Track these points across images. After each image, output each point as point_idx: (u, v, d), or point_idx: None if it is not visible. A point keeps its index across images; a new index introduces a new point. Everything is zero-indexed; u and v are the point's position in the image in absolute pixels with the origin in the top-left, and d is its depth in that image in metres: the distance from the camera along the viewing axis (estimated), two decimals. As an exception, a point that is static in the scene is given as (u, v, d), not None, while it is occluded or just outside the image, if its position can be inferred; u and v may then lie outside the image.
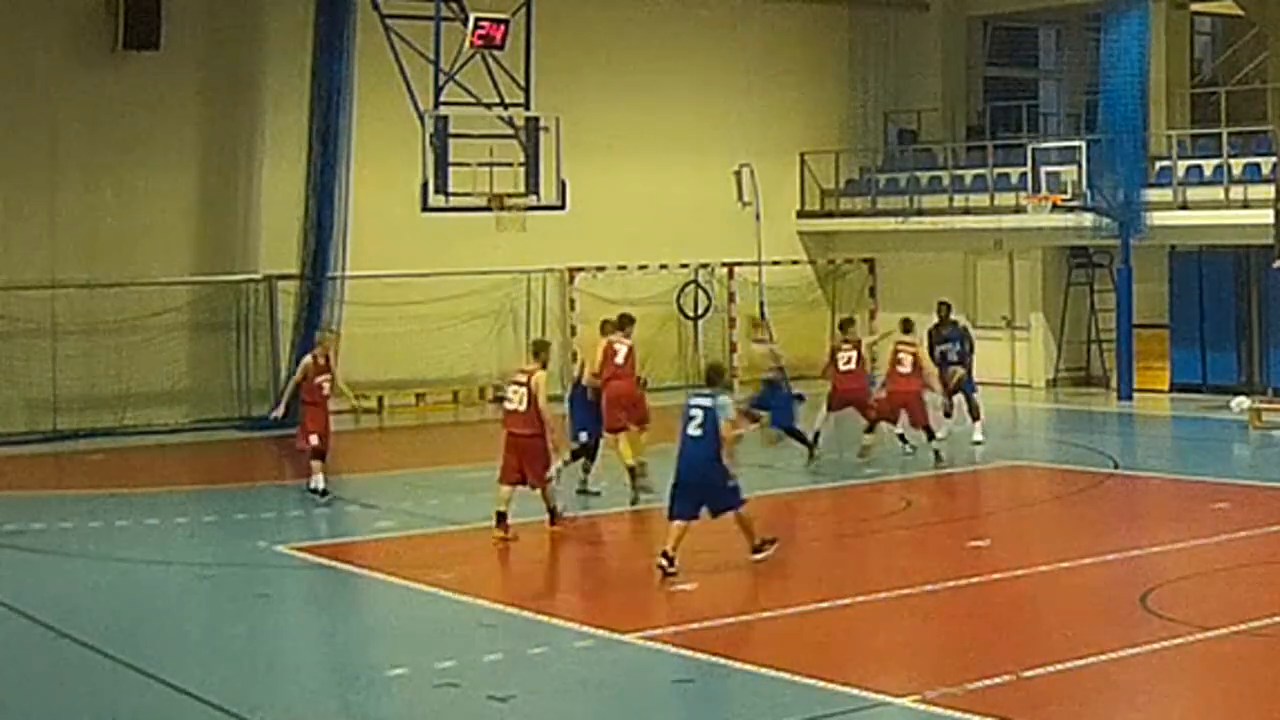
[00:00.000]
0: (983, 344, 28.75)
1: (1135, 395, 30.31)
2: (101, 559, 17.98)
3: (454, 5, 25.74)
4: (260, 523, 19.76)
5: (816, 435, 23.62)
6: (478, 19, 24.92)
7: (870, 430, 23.04)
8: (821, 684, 12.28)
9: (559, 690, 12.90)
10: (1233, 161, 29.26)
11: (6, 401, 27.20)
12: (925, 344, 25.30)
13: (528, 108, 25.61)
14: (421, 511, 20.35)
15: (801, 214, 35.54)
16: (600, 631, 14.08)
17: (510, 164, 25.14)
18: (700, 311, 33.64)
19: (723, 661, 13.04)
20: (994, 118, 36.09)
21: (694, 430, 15.99)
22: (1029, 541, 18.61)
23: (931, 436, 22.99)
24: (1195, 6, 34.88)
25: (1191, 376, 30.64)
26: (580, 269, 32.33)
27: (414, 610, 15.55)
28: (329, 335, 22.43)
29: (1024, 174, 30.61)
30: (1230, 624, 13.84)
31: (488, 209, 25.19)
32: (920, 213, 33.63)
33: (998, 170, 32.70)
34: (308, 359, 21.15)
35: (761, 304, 33.04)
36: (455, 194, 24.81)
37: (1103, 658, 12.79)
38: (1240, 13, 35.10)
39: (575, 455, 20.39)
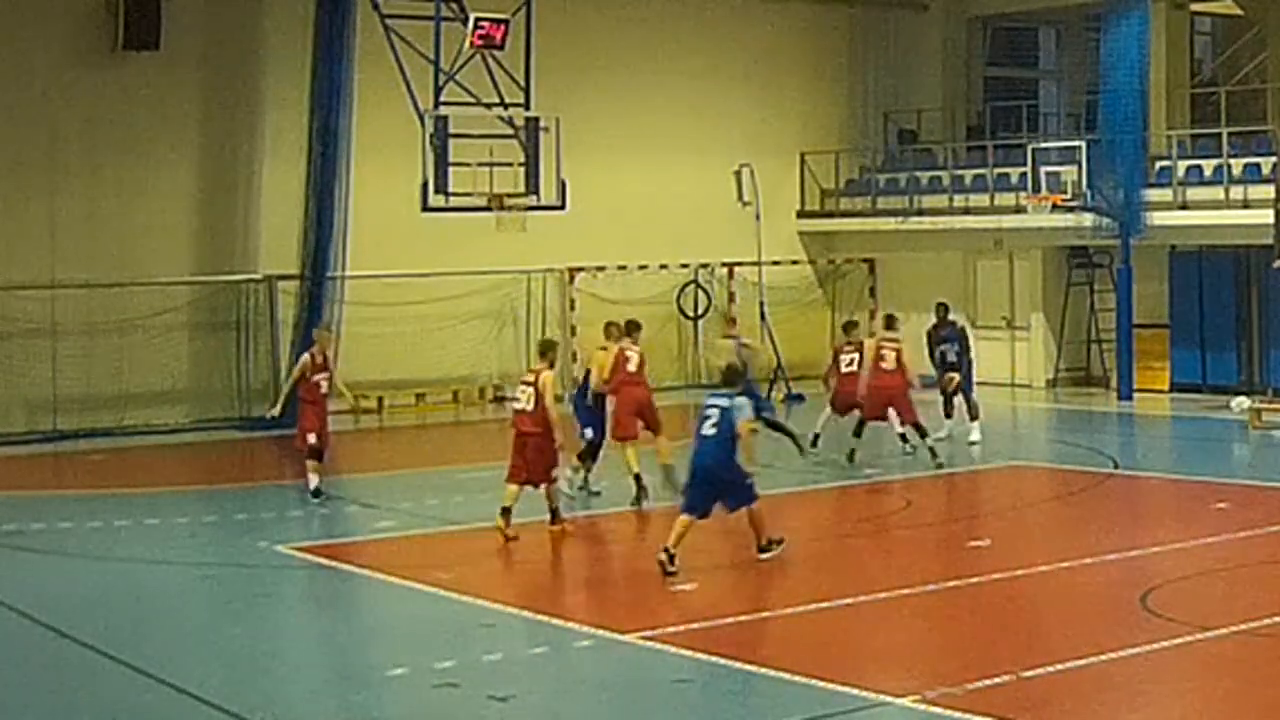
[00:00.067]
0: (983, 344, 28.80)
1: (1135, 395, 30.30)
2: (101, 559, 17.97)
3: (454, 5, 25.74)
4: (260, 523, 19.75)
5: (816, 436, 23.65)
6: (478, 19, 24.90)
7: (858, 434, 23.00)
8: (821, 684, 12.28)
9: (559, 690, 12.91)
10: (1233, 161, 29.26)
11: (6, 401, 27.21)
12: (925, 344, 25.37)
13: (528, 108, 25.60)
14: (421, 511, 20.35)
15: (801, 214, 35.55)
16: (600, 631, 14.08)
17: (510, 164, 25.12)
18: (700, 311, 33.64)
19: (723, 661, 13.04)
20: (994, 118, 36.08)
21: (708, 429, 16.10)
22: (1029, 541, 18.59)
23: (924, 434, 22.95)
24: (1195, 6, 34.88)
25: (1191, 376, 30.65)
26: (580, 269, 32.34)
27: (414, 610, 15.55)
28: (326, 334, 22.42)
29: (1024, 174, 30.62)
30: (1230, 624, 13.84)
31: (488, 209, 25.17)
32: (920, 213, 33.63)
33: (998, 170, 32.70)
34: (305, 357, 21.15)
35: (762, 304, 33.05)
36: (455, 194, 24.79)
37: (1103, 658, 12.78)
38: (1240, 13, 35.14)
39: (581, 457, 20.38)
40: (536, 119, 25.43)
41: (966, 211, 32.98)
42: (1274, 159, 28.57)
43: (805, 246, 35.56)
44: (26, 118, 27.50)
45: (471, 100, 25.33)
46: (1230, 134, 29.74)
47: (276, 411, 21.66)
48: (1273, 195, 27.34)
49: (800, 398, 30.85)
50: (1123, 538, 17.84)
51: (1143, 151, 30.07)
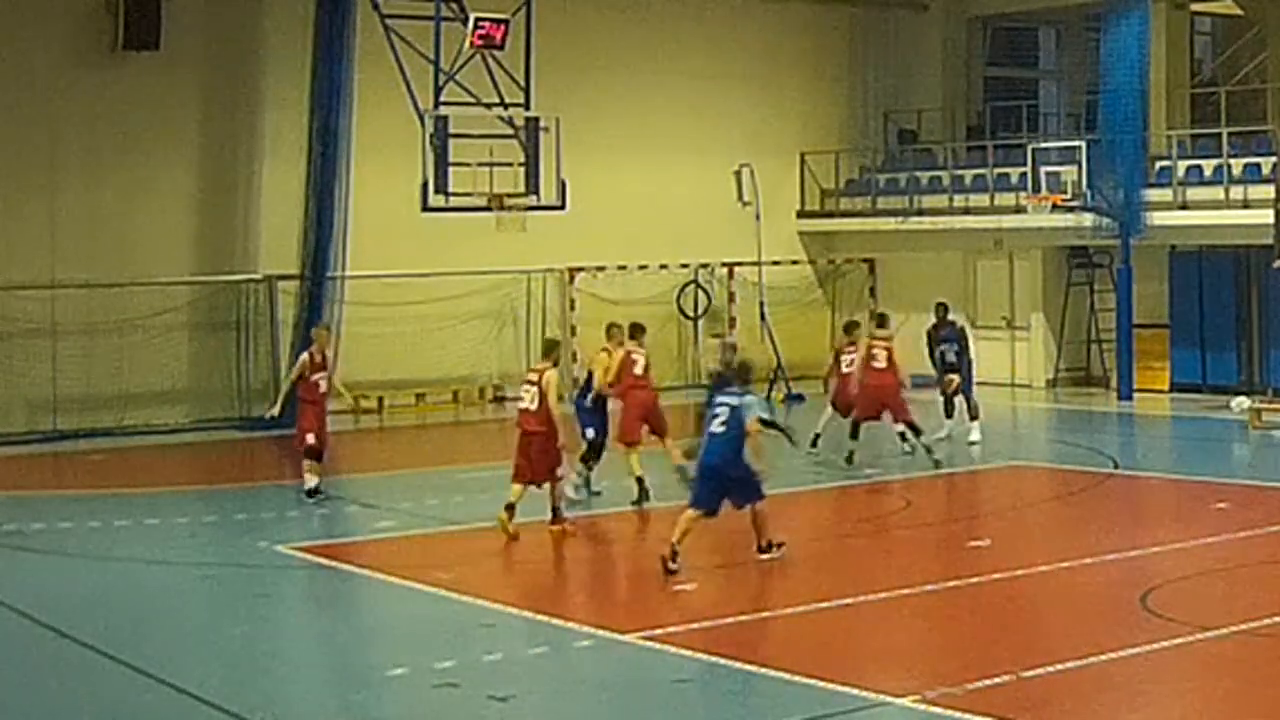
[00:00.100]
0: (983, 344, 28.77)
1: (1135, 395, 30.31)
2: (101, 559, 17.97)
3: (454, 5, 25.73)
4: (260, 523, 19.75)
5: (817, 436, 23.65)
6: (478, 19, 24.89)
7: (854, 436, 22.99)
8: (821, 684, 12.28)
9: (559, 690, 12.91)
10: (1233, 161, 29.26)
11: (6, 401, 27.19)
12: (925, 344, 25.36)
13: (528, 108, 25.59)
14: (421, 511, 20.35)
15: (801, 214, 35.54)
16: (600, 631, 14.09)
17: (510, 164, 25.11)
18: (700, 311, 33.62)
19: (723, 661, 13.04)
20: (994, 118, 36.09)
21: (717, 427, 16.16)
22: (1029, 541, 18.60)
23: (919, 433, 22.94)
24: (1195, 6, 34.89)
25: (1191, 376, 30.65)
26: (580, 269, 32.33)
27: (414, 610, 15.55)
28: (324, 332, 22.39)
29: (1024, 174, 30.62)
30: (1230, 624, 13.85)
31: (488, 209, 25.16)
32: (920, 213, 33.63)
33: (998, 170, 32.70)
34: (304, 356, 21.14)
35: (762, 304, 33.07)
36: (455, 194, 24.78)
37: (1103, 658, 12.79)
38: (1240, 13, 35.13)
39: (584, 458, 20.37)
40: (536, 119, 25.42)
41: (966, 211, 32.98)
42: (1274, 159, 28.57)
43: (805, 246, 35.56)
44: (26, 118, 27.49)
45: (471, 100, 25.32)
46: (1230, 134, 29.73)
47: (276, 411, 21.64)
48: (1273, 195, 27.34)
49: (800, 398, 30.86)
50: (1123, 538, 17.84)
51: (1143, 151, 30.08)
